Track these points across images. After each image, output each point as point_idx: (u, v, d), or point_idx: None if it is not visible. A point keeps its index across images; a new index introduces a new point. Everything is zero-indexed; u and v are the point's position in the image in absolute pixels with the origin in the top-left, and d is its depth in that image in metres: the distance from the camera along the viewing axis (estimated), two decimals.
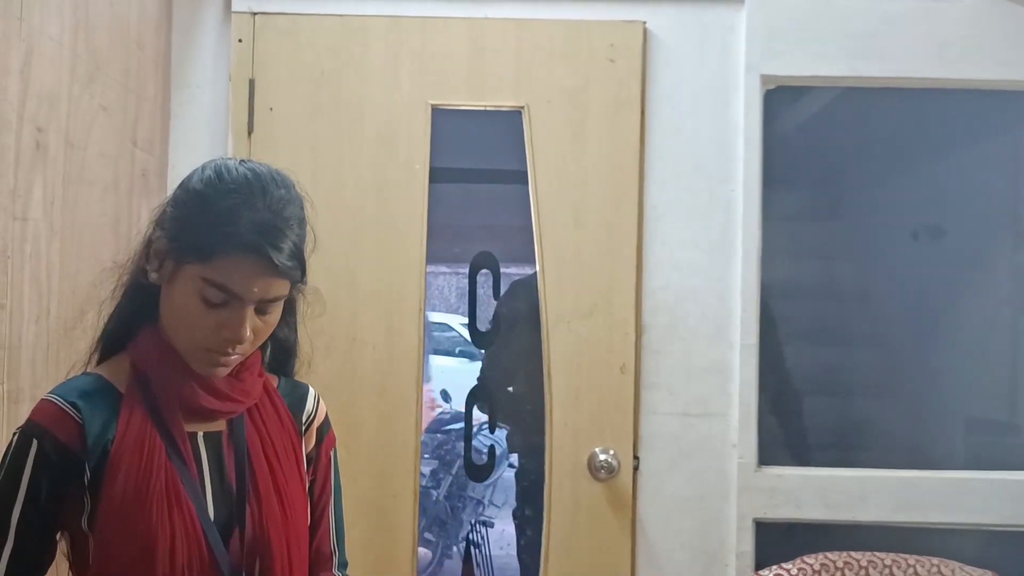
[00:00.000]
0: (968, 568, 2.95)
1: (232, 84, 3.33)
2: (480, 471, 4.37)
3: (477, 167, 3.43)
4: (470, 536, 5.32)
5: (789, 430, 3.10)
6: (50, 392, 1.75)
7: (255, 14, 3.32)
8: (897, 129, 3.77)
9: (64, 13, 2.57)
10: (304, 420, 1.95)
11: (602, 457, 3.19)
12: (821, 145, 3.73)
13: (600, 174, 3.30)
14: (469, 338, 3.65)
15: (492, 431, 3.57)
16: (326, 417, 2.00)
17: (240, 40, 3.32)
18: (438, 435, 5.34)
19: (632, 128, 3.31)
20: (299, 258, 1.72)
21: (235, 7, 3.35)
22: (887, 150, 3.81)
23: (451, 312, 10.85)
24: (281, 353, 1.96)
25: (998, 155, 3.86)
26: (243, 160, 1.78)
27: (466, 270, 3.59)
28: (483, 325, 3.60)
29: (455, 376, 6.03)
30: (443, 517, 5.20)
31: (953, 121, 3.72)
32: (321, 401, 2.00)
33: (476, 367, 4.01)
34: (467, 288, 3.63)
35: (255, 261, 1.66)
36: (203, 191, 1.71)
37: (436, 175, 3.34)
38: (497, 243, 3.66)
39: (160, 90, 3.26)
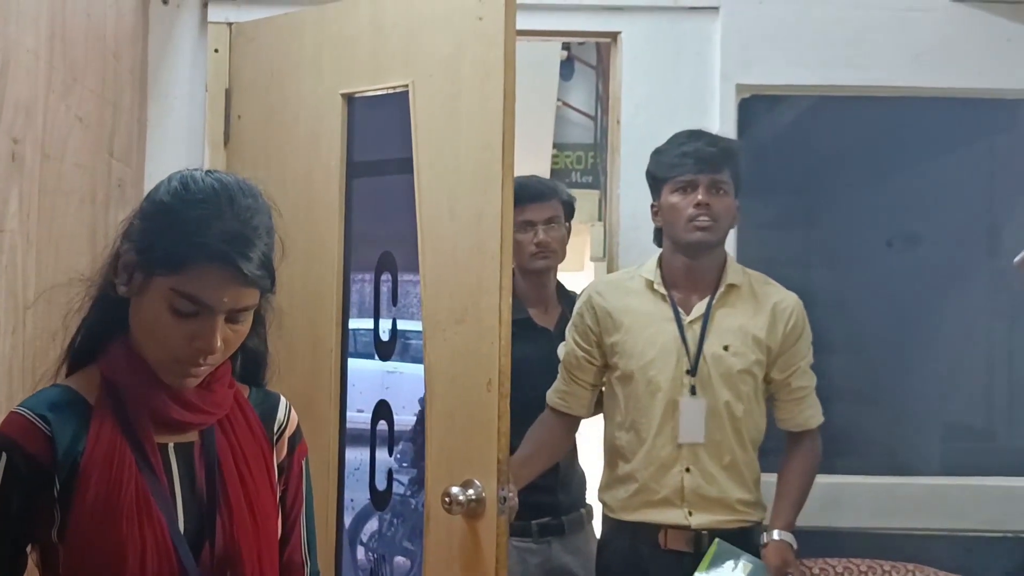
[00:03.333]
0: (943, 574, 2.96)
1: (208, 94, 3.33)
2: None
3: (397, 157, 3.09)
4: None
5: (764, 437, 3.11)
6: (19, 405, 1.75)
7: (231, 24, 3.32)
8: (872, 137, 3.79)
9: (40, 24, 2.58)
10: (275, 430, 1.94)
11: (455, 491, 2.70)
12: (796, 153, 3.75)
13: (471, 155, 2.81)
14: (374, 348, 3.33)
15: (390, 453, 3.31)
16: (297, 426, 1.99)
17: (216, 50, 3.33)
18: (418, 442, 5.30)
19: (497, 96, 2.73)
20: (268, 267, 1.72)
21: (211, 17, 3.36)
22: (862, 158, 3.83)
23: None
24: (251, 363, 1.96)
25: (973, 162, 3.89)
26: (209, 171, 1.78)
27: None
28: (384, 335, 3.24)
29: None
30: (422, 526, 5.16)
31: (928, 129, 3.75)
32: (292, 410, 2.00)
33: None
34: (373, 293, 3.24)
35: (225, 271, 1.66)
36: (170, 203, 1.71)
37: (357, 170, 3.14)
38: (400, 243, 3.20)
39: (137, 101, 3.27)
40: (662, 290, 3.07)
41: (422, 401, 3.17)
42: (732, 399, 2.99)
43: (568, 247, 3.63)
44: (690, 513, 2.99)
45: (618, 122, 3.58)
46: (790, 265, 3.19)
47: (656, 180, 3.08)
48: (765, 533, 2.98)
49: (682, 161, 3.01)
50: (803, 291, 3.09)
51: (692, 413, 3.00)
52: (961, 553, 3.34)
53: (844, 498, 3.35)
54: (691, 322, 3.03)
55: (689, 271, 3.07)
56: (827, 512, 3.07)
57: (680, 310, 3.05)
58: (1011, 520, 3.46)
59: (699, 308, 3.04)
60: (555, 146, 9.23)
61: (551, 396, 3.21)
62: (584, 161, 9.63)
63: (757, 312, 3.03)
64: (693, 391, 3.01)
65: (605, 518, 3.18)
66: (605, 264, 3.80)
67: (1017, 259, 1.26)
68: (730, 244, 3.21)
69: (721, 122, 3.45)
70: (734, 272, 3.07)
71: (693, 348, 3.01)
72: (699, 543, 2.98)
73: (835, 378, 3.17)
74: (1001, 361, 3.95)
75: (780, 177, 3.15)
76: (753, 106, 3.59)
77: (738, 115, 3.51)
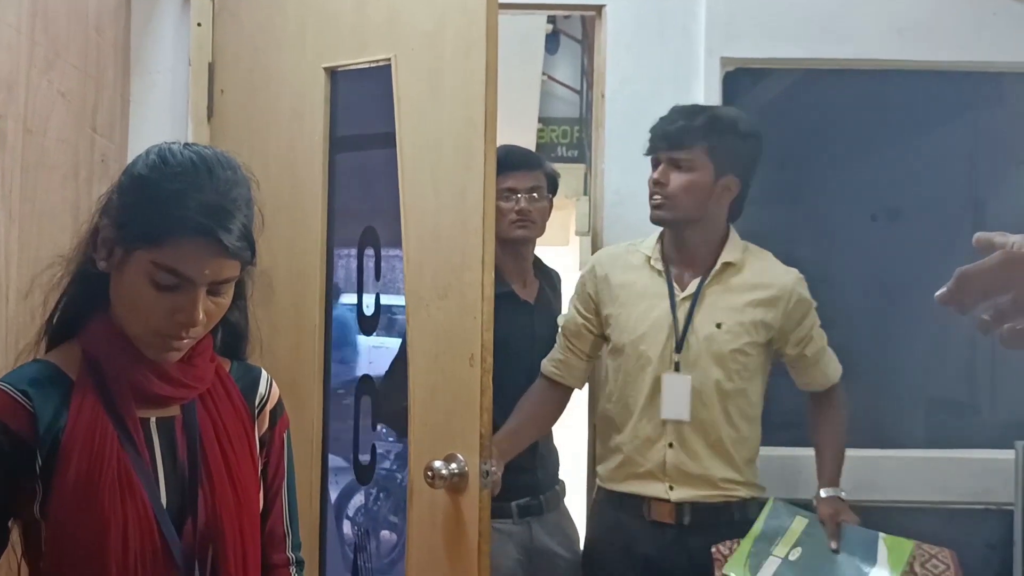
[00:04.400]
0: (926, 546, 2.97)
1: (192, 69, 3.32)
2: None
3: (380, 132, 3.05)
4: None
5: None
6: (0, 380, 1.76)
7: None
8: (857, 111, 3.79)
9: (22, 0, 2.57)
10: (257, 403, 1.96)
11: (437, 465, 2.69)
12: (781, 127, 3.74)
13: (454, 130, 2.77)
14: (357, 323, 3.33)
15: (374, 428, 3.30)
16: (279, 400, 2.01)
17: (199, 24, 3.30)
18: None
19: (480, 70, 2.70)
20: (248, 239, 1.73)
21: None
22: (847, 132, 3.83)
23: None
24: (232, 336, 1.97)
25: (957, 136, 3.89)
26: (187, 144, 1.79)
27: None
28: (368, 309, 3.21)
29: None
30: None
31: (912, 103, 3.75)
32: (274, 384, 2.01)
33: None
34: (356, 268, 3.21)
35: (205, 244, 1.67)
36: (149, 176, 1.72)
37: (340, 145, 3.12)
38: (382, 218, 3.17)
39: (119, 76, 3.25)
40: (659, 266, 3.10)
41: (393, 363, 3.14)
42: (722, 377, 3.01)
43: (554, 222, 3.61)
44: (671, 487, 3.02)
45: (603, 96, 3.57)
46: (774, 239, 3.18)
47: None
48: (816, 496, 3.05)
49: (650, 139, 3.09)
50: (788, 265, 3.10)
51: (676, 390, 3.02)
52: (944, 525, 3.36)
53: None
54: (683, 299, 3.05)
55: (679, 248, 3.10)
56: (811, 484, 3.08)
57: (675, 286, 3.07)
58: (993, 492, 3.48)
59: (692, 286, 3.05)
60: (541, 120, 9.19)
61: (546, 365, 3.24)
62: (570, 135, 9.59)
63: (754, 291, 3.03)
64: (677, 368, 3.02)
65: (597, 488, 3.22)
66: (590, 239, 3.80)
67: (938, 294, 1.24)
68: None
69: (706, 95, 3.45)
70: (732, 250, 3.07)
71: (682, 325, 3.03)
72: (680, 516, 3.02)
73: None
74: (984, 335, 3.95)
75: (765, 151, 3.14)
76: (738, 80, 3.58)
77: (723, 89, 3.51)
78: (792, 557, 2.91)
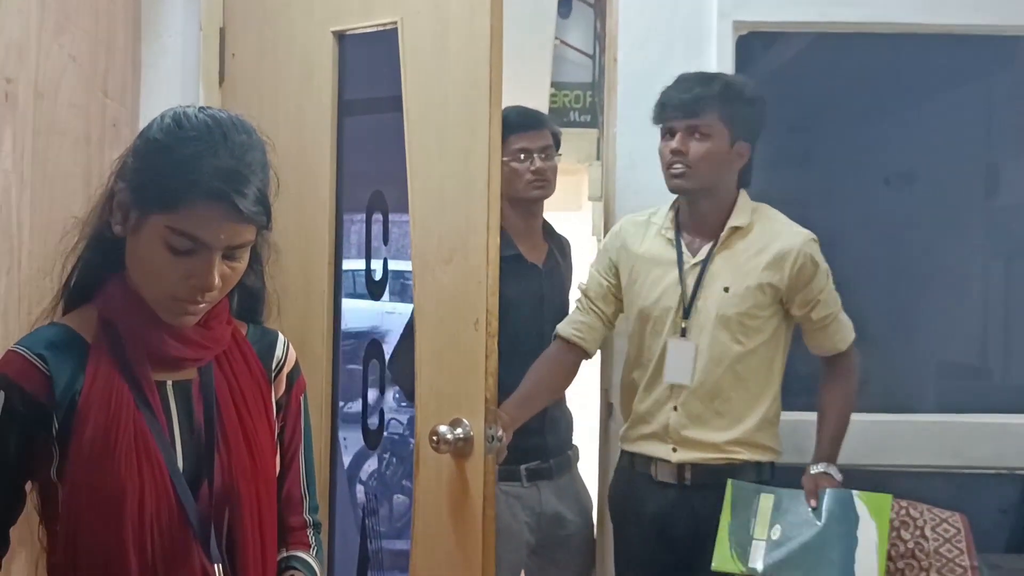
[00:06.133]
0: (937, 510, 2.98)
1: (203, 33, 3.30)
2: None
3: (387, 95, 3.01)
4: None
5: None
6: (16, 343, 1.76)
7: None
8: (870, 75, 3.76)
9: None
10: (273, 367, 1.96)
11: (442, 430, 2.70)
12: (794, 92, 3.72)
13: (459, 93, 2.77)
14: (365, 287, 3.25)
15: (382, 392, 3.30)
16: (296, 363, 2.01)
17: None
18: None
19: (484, 33, 2.69)
20: (264, 203, 1.72)
21: None
22: (860, 96, 3.81)
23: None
24: (248, 300, 1.96)
25: (971, 100, 3.87)
26: (202, 107, 1.78)
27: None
28: (377, 274, 3.21)
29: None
30: None
31: (926, 66, 3.72)
32: (291, 347, 2.01)
33: None
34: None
35: (220, 208, 1.66)
36: (164, 140, 1.71)
37: (348, 108, 3.11)
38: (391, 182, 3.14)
39: (130, 40, 3.23)
40: (669, 235, 3.13)
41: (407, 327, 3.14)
42: (730, 341, 3.01)
43: (566, 187, 3.61)
44: (675, 449, 3.05)
45: (615, 60, 3.56)
46: (787, 203, 3.17)
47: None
48: (805, 471, 3.02)
49: (661, 108, 3.09)
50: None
51: (680, 355, 3.05)
52: (955, 490, 3.36)
53: None
54: (692, 266, 3.06)
55: (692, 215, 3.12)
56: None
57: (686, 253, 3.08)
58: (1006, 457, 3.48)
59: (703, 252, 3.06)
60: (553, 84, 9.14)
61: (564, 327, 3.23)
62: (582, 100, 9.54)
63: (760, 254, 3.02)
64: (683, 333, 3.04)
65: (620, 450, 3.27)
66: (602, 204, 3.78)
67: None
68: None
69: (718, 59, 3.43)
70: (740, 214, 3.07)
71: (691, 291, 3.04)
72: (682, 476, 3.06)
73: None
74: (997, 299, 3.95)
75: (778, 115, 3.13)
76: (751, 43, 3.56)
77: (736, 52, 3.49)
78: (775, 536, 2.90)
